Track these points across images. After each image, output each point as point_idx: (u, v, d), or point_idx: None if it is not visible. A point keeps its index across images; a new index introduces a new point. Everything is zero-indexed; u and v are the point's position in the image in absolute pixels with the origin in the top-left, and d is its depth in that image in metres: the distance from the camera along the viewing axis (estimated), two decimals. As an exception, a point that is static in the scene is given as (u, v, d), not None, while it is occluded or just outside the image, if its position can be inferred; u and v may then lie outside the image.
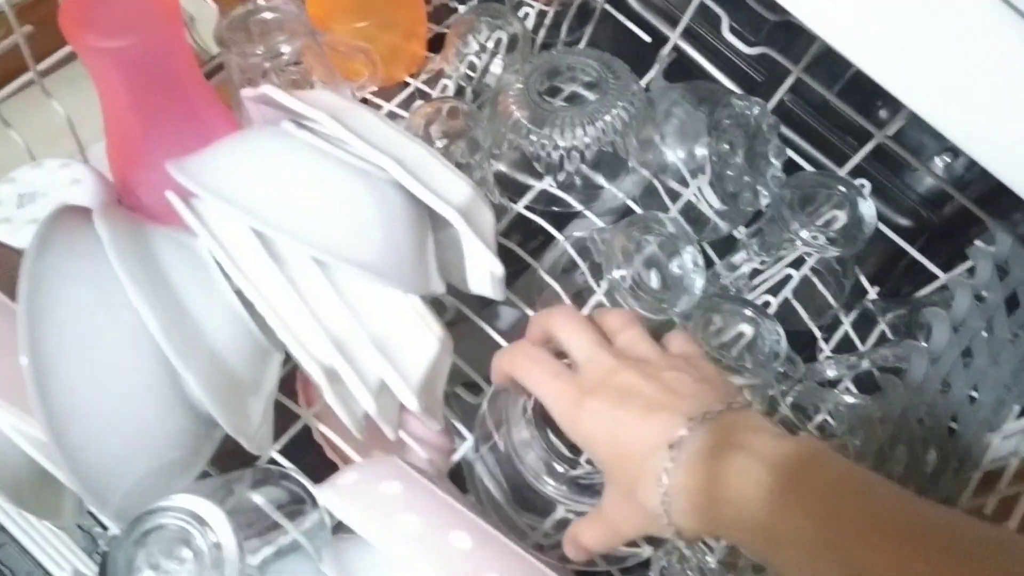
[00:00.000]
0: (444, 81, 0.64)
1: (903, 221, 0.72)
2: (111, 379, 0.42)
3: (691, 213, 0.64)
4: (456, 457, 0.56)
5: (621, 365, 0.43)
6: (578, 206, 0.63)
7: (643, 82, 0.69)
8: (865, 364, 0.60)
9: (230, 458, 0.51)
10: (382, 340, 0.47)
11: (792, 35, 0.66)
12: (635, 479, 0.40)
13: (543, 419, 0.50)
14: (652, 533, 0.43)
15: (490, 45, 0.63)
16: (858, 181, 0.62)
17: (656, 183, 0.64)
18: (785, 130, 0.71)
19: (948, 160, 0.71)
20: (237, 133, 0.50)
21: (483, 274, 0.52)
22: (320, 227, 0.45)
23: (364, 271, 0.45)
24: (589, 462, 0.49)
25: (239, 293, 0.46)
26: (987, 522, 0.50)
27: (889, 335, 0.65)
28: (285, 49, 0.57)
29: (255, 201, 0.45)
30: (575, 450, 0.50)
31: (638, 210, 0.65)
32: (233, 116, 0.60)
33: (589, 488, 0.49)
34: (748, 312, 0.55)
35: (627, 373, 0.42)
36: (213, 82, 0.63)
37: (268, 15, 0.58)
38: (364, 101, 0.66)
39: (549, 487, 0.50)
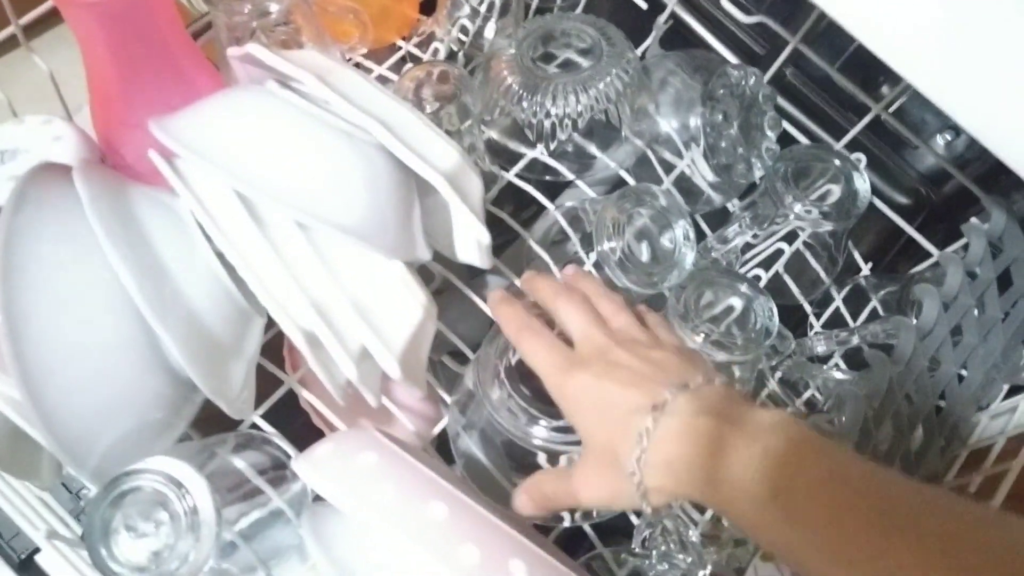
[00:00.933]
0: (435, 44, 0.63)
1: (902, 199, 0.71)
2: (88, 338, 0.41)
3: (684, 185, 0.63)
4: (440, 426, 0.56)
5: (614, 344, 0.45)
6: (570, 175, 0.62)
7: (639, 50, 0.67)
8: (855, 340, 0.59)
9: (213, 423, 0.50)
10: (364, 306, 0.46)
11: (794, 6, 0.65)
12: (614, 439, 0.42)
13: (517, 377, 0.50)
14: (614, 506, 0.45)
15: (483, 8, 0.62)
16: (854, 155, 0.61)
17: (649, 153, 0.63)
18: (784, 103, 0.70)
19: (949, 138, 0.70)
20: (220, 92, 0.49)
21: (470, 242, 0.52)
22: (302, 189, 0.44)
23: (346, 235, 0.45)
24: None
25: (220, 256, 0.46)
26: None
27: (880, 312, 0.65)
28: (273, 8, 0.55)
29: (237, 162, 0.44)
30: (551, 400, 0.50)
31: (631, 180, 0.64)
32: (219, 75, 0.59)
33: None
34: (741, 287, 0.55)
35: (619, 351, 0.45)
36: (201, 41, 0.62)
37: (257, -27, 0.56)
38: (354, 64, 0.65)
39: (536, 439, 0.49)
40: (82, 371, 0.40)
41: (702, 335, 0.53)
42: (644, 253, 0.57)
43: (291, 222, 0.45)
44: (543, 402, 0.49)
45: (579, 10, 0.71)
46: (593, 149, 0.62)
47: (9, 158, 0.50)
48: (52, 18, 0.55)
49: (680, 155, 0.62)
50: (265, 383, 0.53)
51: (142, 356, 0.43)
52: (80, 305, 0.41)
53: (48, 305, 0.40)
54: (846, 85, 0.61)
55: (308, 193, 0.44)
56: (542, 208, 0.62)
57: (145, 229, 0.44)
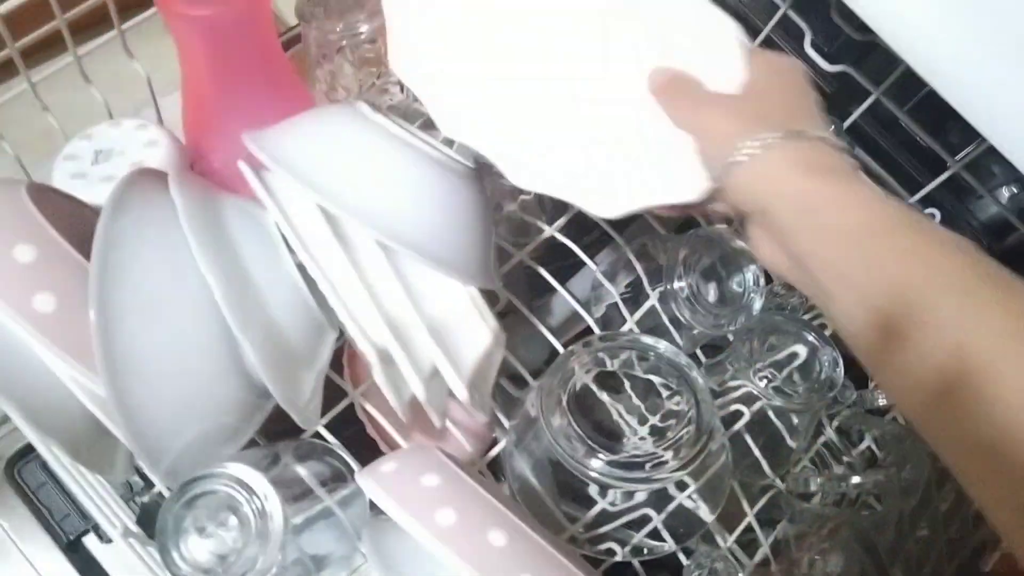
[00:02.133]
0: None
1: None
2: (173, 341, 0.42)
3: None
4: (497, 449, 0.57)
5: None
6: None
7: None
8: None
9: (274, 428, 0.52)
10: (438, 328, 0.47)
11: (867, 53, 0.64)
12: (788, 108, 0.45)
13: (579, 408, 0.51)
14: (705, 150, 0.46)
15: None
16: (928, 210, 0.60)
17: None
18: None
19: (1015, 191, 0.69)
20: (314, 110, 0.50)
21: None
22: (387, 211, 0.45)
23: (426, 258, 0.46)
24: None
25: (301, 267, 0.47)
26: None
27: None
28: (363, 28, 0.57)
29: (325, 180, 0.46)
30: (612, 435, 0.51)
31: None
32: (306, 88, 0.61)
33: (635, 465, 0.49)
34: (807, 335, 0.55)
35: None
36: (289, 53, 0.64)
37: (350, -8, 0.58)
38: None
39: (592, 471, 0.50)
40: (166, 373, 0.42)
41: (764, 380, 0.53)
42: (712, 293, 0.57)
43: (373, 241, 0.46)
44: (602, 435, 0.50)
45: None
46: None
47: (104, 158, 0.52)
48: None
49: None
50: (326, 392, 0.54)
51: (222, 361, 0.44)
52: (168, 308, 0.42)
53: (139, 307, 0.41)
54: (919, 134, 0.61)
55: (392, 215, 0.45)
56: (606, 235, 0.63)
57: (233, 238, 0.45)
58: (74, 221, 0.45)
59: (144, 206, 0.44)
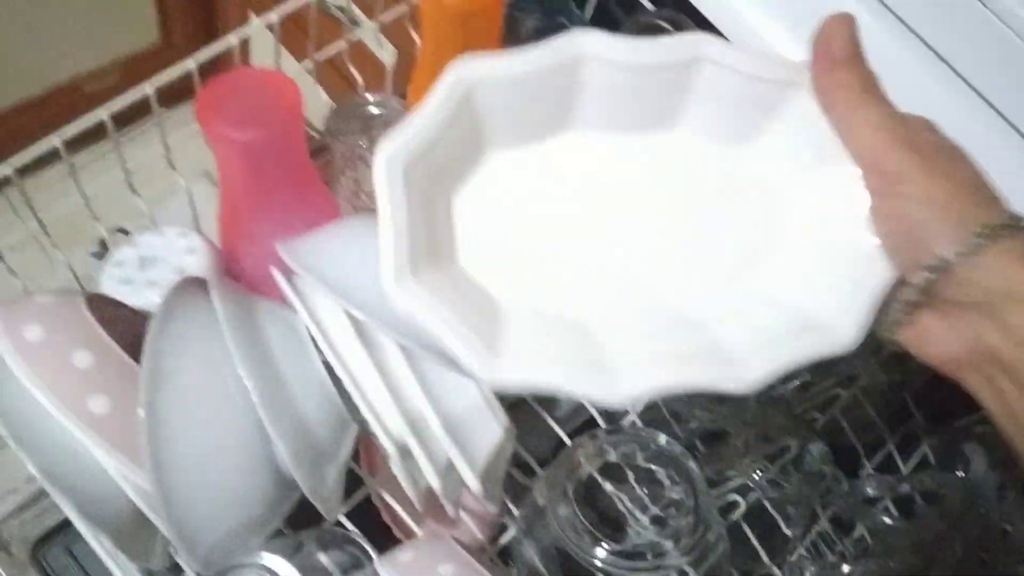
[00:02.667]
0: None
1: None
2: (213, 439, 0.46)
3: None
4: (507, 537, 0.60)
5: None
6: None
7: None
8: (905, 488, 0.62)
9: (298, 517, 0.55)
10: (453, 423, 0.51)
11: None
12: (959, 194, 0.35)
13: (584, 499, 0.54)
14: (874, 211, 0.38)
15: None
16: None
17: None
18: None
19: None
20: (340, 222, 0.55)
21: None
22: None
23: (443, 359, 0.49)
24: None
25: (327, 365, 0.51)
26: None
27: (931, 457, 0.68)
28: (387, 142, 0.62)
29: (351, 288, 0.50)
30: (616, 524, 0.53)
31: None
32: (332, 195, 0.66)
33: (637, 555, 0.52)
34: (800, 430, 0.58)
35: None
36: (317, 162, 0.69)
37: (374, 110, 0.63)
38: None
39: (597, 561, 0.52)
40: (206, 469, 0.46)
41: (759, 472, 0.57)
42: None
43: (394, 343, 0.50)
44: (607, 524, 0.53)
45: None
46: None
47: (149, 265, 0.56)
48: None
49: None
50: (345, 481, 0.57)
51: (256, 457, 0.48)
52: (210, 408, 0.46)
53: (184, 409, 0.45)
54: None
55: (410, 320, 0.50)
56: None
57: (267, 341, 0.49)
58: (125, 326, 0.50)
59: (188, 314, 0.48)
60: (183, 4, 1.41)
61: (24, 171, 0.55)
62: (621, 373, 0.38)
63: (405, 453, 0.50)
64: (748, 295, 0.40)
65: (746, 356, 0.38)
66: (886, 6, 0.56)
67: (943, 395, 0.74)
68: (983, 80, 0.55)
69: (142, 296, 0.55)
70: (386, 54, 0.74)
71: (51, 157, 0.56)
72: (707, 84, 0.40)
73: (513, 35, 0.73)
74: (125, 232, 0.64)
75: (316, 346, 0.51)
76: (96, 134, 0.57)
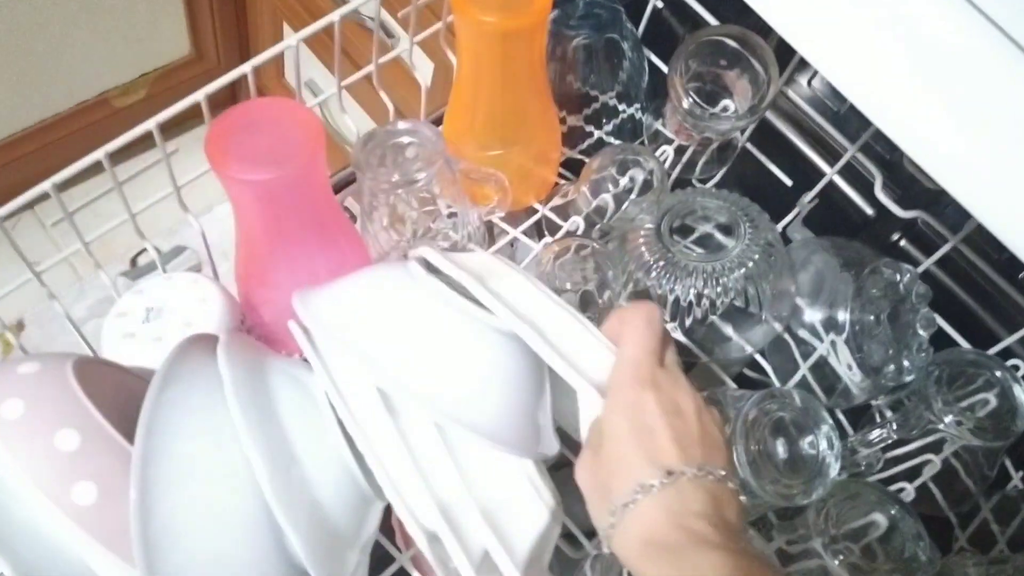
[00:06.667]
0: (574, 217, 0.62)
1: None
2: (214, 528, 0.40)
3: (824, 372, 0.60)
4: (552, 623, 0.53)
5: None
6: (703, 356, 0.60)
7: (780, 226, 0.65)
8: (1007, 570, 0.54)
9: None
10: (490, 508, 0.44)
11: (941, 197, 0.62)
12: (623, 467, 0.41)
13: None
14: (588, 507, 0.43)
15: (624, 182, 0.61)
16: (1011, 362, 0.57)
17: (788, 339, 0.60)
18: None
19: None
20: (364, 271, 0.49)
21: None
22: (438, 387, 0.43)
23: (480, 436, 0.43)
24: None
25: (347, 436, 0.45)
26: None
27: (1034, 528, 0.59)
28: (420, 176, 0.56)
29: (376, 351, 0.44)
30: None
31: (765, 364, 0.61)
32: (359, 238, 0.60)
33: None
34: (889, 505, 0.51)
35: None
36: (343, 194, 0.63)
37: (406, 139, 0.57)
38: (490, 225, 0.65)
39: None
40: (206, 563, 0.40)
41: (840, 556, 0.50)
42: (781, 451, 0.53)
43: (424, 416, 0.44)
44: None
45: (717, 183, 0.70)
46: (729, 330, 0.60)
47: (155, 316, 0.51)
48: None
49: (821, 340, 0.60)
50: (374, 553, 0.51)
51: (264, 546, 0.42)
52: (211, 493, 0.40)
53: (180, 493, 0.39)
54: (1007, 290, 0.58)
55: (443, 391, 0.43)
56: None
57: (281, 413, 0.43)
58: (120, 392, 0.44)
59: (190, 381, 0.42)
60: (215, 17, 1.37)
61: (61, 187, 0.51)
62: None
63: (436, 539, 0.44)
64: None
65: None
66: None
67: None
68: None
69: (146, 353, 0.49)
70: (420, 75, 0.68)
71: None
72: None
73: (556, 52, 0.66)
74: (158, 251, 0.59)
75: (336, 413, 0.45)
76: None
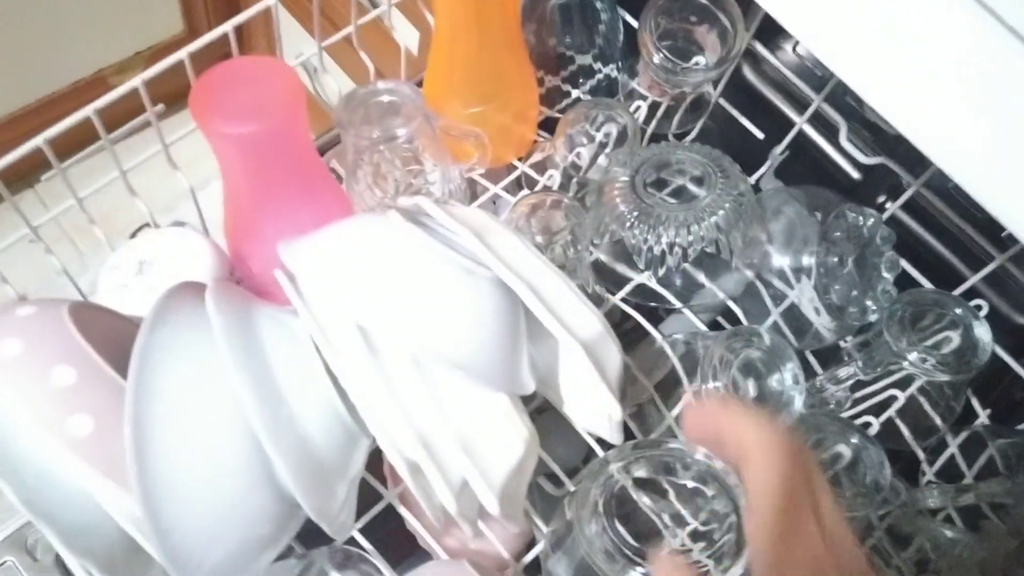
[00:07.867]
0: (551, 171, 0.64)
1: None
2: (207, 457, 0.43)
3: (793, 317, 0.62)
4: (532, 555, 0.56)
5: None
6: (676, 303, 0.62)
7: (753, 179, 0.67)
8: (970, 498, 0.56)
9: (311, 532, 0.52)
10: (468, 439, 0.47)
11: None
12: None
13: (615, 515, 0.49)
14: None
15: (599, 137, 0.63)
16: (974, 302, 0.59)
17: (759, 286, 0.62)
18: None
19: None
20: (346, 220, 0.51)
21: (597, 412, 0.52)
22: (417, 322, 0.46)
23: (456, 368, 0.46)
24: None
25: (333, 377, 0.47)
26: None
27: (999, 462, 0.62)
28: (400, 132, 0.58)
29: (358, 292, 0.46)
30: (651, 540, 0.49)
31: (737, 310, 0.63)
32: (343, 191, 0.62)
33: None
34: (852, 437, 0.53)
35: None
36: (329, 155, 0.66)
37: (386, 98, 0.59)
38: (471, 182, 0.67)
39: None
40: (199, 489, 0.42)
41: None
42: (751, 390, 0.56)
43: (404, 353, 0.46)
44: (640, 541, 0.49)
45: (692, 137, 0.72)
46: (702, 278, 0.62)
47: (146, 269, 0.53)
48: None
49: (791, 286, 0.62)
50: (363, 493, 0.54)
51: (254, 475, 0.44)
52: (202, 424, 0.43)
53: (173, 425, 0.42)
54: (964, 229, 0.60)
55: (422, 326, 0.46)
56: (641, 330, 0.62)
57: (268, 353, 0.46)
58: (114, 336, 0.47)
59: (181, 322, 0.45)
60: (207, -6, 1.38)
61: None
62: None
63: (417, 471, 0.46)
64: None
65: None
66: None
67: (1012, 394, 0.68)
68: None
69: (139, 302, 0.52)
70: (401, 37, 0.70)
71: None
72: None
73: (535, 13, 0.68)
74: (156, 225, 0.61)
75: (321, 355, 0.47)
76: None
